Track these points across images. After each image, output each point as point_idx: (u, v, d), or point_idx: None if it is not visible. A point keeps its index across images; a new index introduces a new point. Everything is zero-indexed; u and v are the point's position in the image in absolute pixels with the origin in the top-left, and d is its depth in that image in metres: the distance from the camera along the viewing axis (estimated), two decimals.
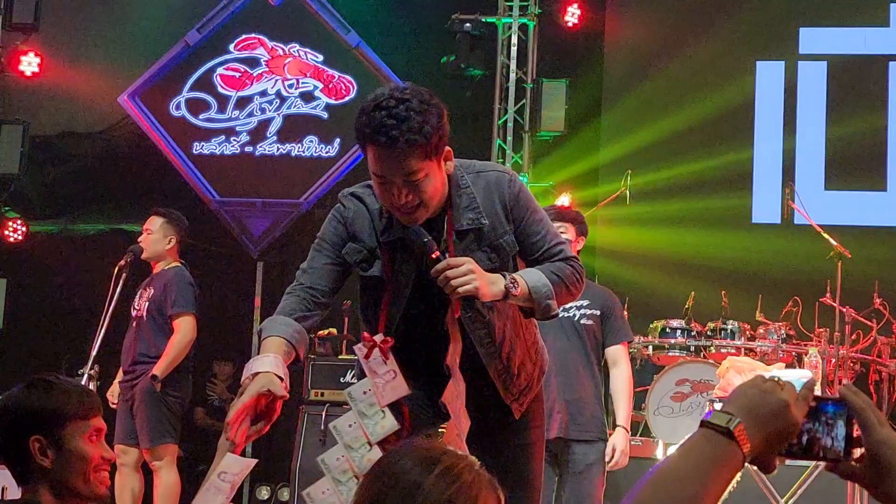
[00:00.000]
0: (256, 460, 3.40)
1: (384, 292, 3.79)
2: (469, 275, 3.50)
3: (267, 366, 3.49)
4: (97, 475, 3.25)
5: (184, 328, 8.00)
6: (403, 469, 2.02)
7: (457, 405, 3.67)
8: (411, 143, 3.49)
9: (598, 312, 6.45)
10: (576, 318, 6.39)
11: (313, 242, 3.90)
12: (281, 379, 3.48)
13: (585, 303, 6.40)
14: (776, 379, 1.79)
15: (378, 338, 3.70)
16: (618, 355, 6.49)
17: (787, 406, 1.76)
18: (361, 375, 3.91)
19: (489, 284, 3.56)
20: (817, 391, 1.83)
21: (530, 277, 3.69)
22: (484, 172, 3.82)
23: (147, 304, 8.05)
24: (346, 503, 3.56)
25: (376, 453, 3.61)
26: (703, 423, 1.74)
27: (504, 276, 3.62)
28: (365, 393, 3.68)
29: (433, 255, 3.55)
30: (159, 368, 7.86)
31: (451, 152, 3.70)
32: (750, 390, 1.78)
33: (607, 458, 6.32)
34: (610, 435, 6.43)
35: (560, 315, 6.24)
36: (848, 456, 1.80)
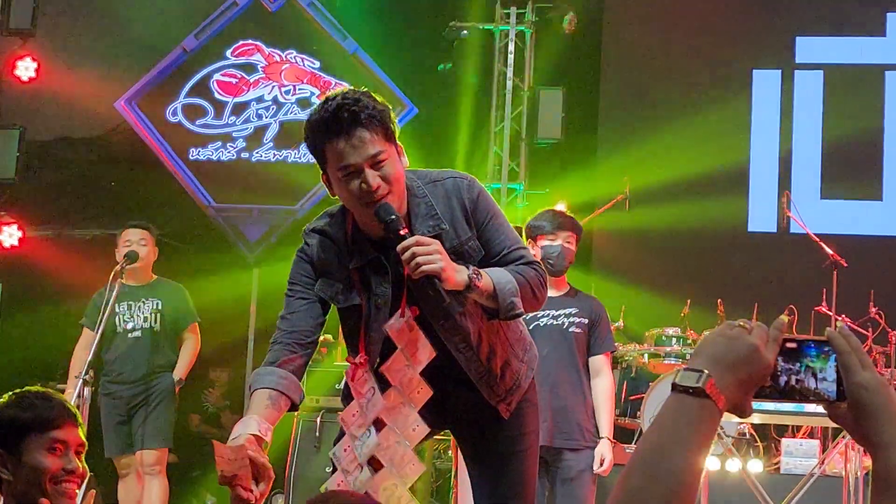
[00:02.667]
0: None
1: (361, 316, 3.76)
2: (435, 255, 3.47)
3: (239, 430, 3.45)
4: (57, 487, 3.25)
5: (197, 335, 8.34)
6: None
7: (402, 412, 3.67)
8: (371, 119, 3.53)
9: (587, 321, 6.43)
10: (564, 326, 6.37)
11: (285, 290, 3.87)
12: (259, 437, 3.43)
13: (574, 311, 6.39)
14: (742, 323, 1.78)
15: (358, 359, 3.72)
16: (601, 365, 6.46)
17: (757, 349, 1.74)
18: (345, 397, 3.92)
19: (454, 270, 3.52)
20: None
21: (495, 273, 3.65)
22: (441, 181, 3.79)
23: (158, 315, 8.15)
24: None
25: (366, 475, 3.61)
26: (674, 387, 1.72)
27: (468, 268, 3.58)
28: (354, 415, 3.69)
29: (402, 231, 3.52)
30: (185, 372, 8.22)
31: (402, 148, 3.70)
32: (717, 339, 1.76)
33: (595, 468, 6.31)
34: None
35: (549, 323, 6.29)
36: (841, 398, 1.79)
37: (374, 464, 3.64)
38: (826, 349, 1.80)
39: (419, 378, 3.67)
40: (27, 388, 3.38)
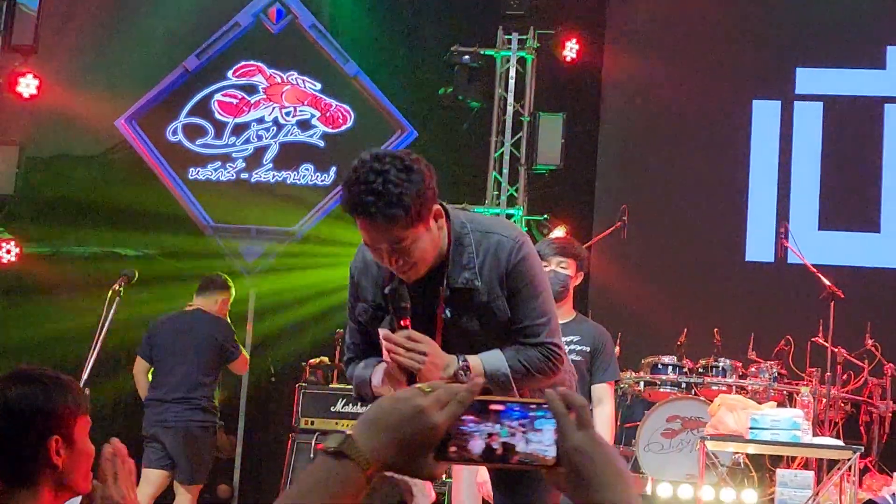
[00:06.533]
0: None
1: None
2: (419, 355, 3.57)
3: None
4: (91, 471, 3.15)
5: None
6: None
7: None
8: (389, 217, 3.48)
9: (588, 349, 6.41)
10: None
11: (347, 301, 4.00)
12: None
13: (576, 338, 6.37)
14: (423, 386, 1.75)
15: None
16: (603, 393, 6.45)
17: (422, 411, 1.71)
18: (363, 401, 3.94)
19: (437, 369, 3.61)
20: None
21: (490, 363, 3.71)
22: (491, 233, 3.77)
23: None
24: None
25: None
26: (322, 449, 1.74)
27: (459, 361, 3.66)
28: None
29: (402, 323, 3.61)
30: None
31: (440, 211, 3.67)
32: (384, 401, 1.76)
33: None
34: None
35: None
36: (559, 462, 1.72)
37: None
38: (537, 412, 1.73)
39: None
40: (40, 371, 3.25)
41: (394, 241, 3.53)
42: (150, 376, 8.51)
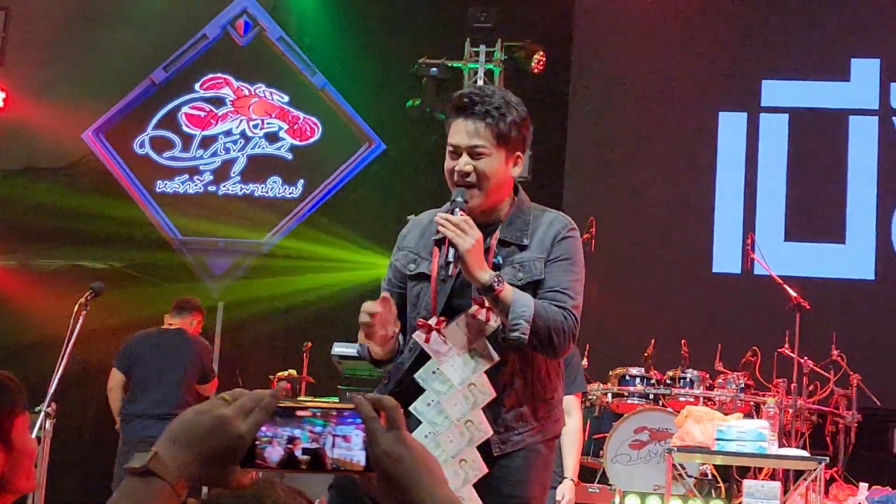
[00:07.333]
0: None
1: (430, 284, 3.94)
2: (468, 238, 3.69)
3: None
4: (34, 469, 2.99)
5: None
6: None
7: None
8: (486, 114, 3.84)
9: None
10: None
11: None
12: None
13: None
14: (226, 395, 1.72)
15: (432, 321, 3.85)
16: (570, 405, 6.46)
17: (224, 421, 1.68)
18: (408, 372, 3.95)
19: (477, 265, 3.71)
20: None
21: (519, 296, 3.77)
22: (549, 211, 4.06)
23: None
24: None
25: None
26: (127, 469, 1.69)
27: (497, 273, 3.75)
28: (434, 372, 3.82)
29: (460, 213, 3.75)
30: None
31: (521, 160, 3.99)
32: (187, 414, 1.72)
33: None
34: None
35: None
36: (370, 468, 1.69)
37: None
38: (343, 418, 1.70)
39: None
40: None
41: (476, 146, 3.84)
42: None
